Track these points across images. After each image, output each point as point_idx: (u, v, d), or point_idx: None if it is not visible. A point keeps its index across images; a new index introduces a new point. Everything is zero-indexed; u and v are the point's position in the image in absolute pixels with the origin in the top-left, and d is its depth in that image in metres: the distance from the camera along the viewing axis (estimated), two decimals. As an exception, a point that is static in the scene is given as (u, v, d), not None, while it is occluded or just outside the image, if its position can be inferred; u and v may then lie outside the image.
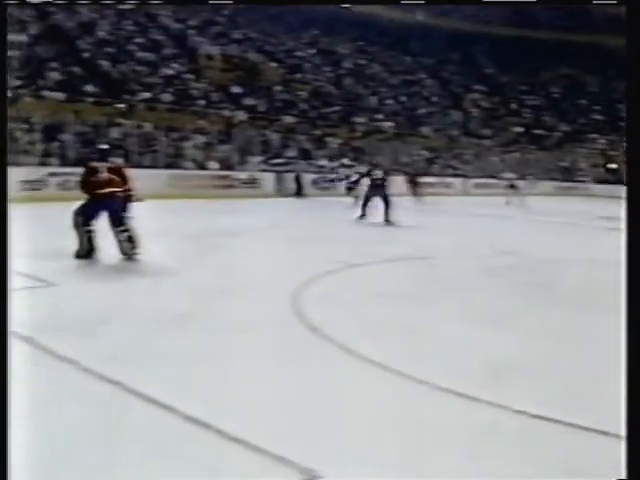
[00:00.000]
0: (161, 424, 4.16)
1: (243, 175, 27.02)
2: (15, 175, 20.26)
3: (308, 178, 28.44)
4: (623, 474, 3.20)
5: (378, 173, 17.85)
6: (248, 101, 33.84)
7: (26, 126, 23.17)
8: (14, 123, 22.85)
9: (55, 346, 5.48)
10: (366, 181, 18.28)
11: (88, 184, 9.83)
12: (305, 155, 30.79)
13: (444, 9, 52.35)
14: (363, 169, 23.42)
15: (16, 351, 5.47)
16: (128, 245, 9.74)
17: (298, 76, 39.21)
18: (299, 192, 27.32)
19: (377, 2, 41.05)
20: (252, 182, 27.06)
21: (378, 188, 17.35)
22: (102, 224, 9.86)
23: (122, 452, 3.78)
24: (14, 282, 8.08)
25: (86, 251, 9.63)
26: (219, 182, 25.76)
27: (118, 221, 9.72)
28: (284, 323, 6.56)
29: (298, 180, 27.62)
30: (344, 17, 46.35)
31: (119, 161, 22.66)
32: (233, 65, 36.22)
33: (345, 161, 27.90)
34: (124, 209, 9.94)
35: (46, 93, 26.40)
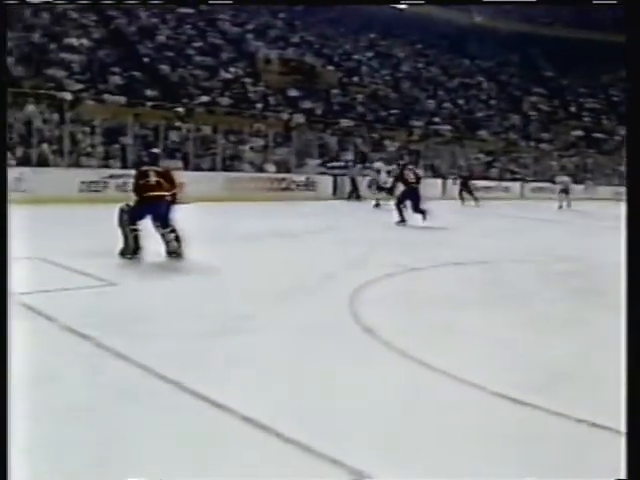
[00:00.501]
0: (219, 425, 4.17)
1: (300, 178, 27.09)
2: (76, 177, 20.65)
3: (364, 181, 28.40)
4: (623, 474, 3.16)
5: (410, 175, 17.88)
6: (306, 104, 33.93)
7: (87, 129, 23.55)
8: (76, 126, 23.29)
9: (116, 345, 5.53)
10: (398, 183, 18.55)
11: (138, 187, 10.17)
12: (362, 158, 30.75)
13: (502, 10, 51.78)
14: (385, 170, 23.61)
15: (83, 350, 5.58)
16: (175, 245, 10.01)
17: (355, 79, 39.18)
18: (355, 195, 27.29)
19: (377, 2, 40.70)
20: (309, 185, 27.12)
21: (412, 190, 17.28)
22: (147, 224, 10.08)
23: (181, 452, 3.81)
24: (76, 281, 8.29)
25: (132, 250, 9.87)
26: (276, 185, 25.88)
27: (164, 223, 10.03)
28: (340, 326, 6.54)
29: (354, 183, 27.59)
30: (402, 20, 46.21)
31: (178, 164, 23.17)
32: (291, 68, 36.35)
33: (377, 164, 27.65)
34: (170, 211, 10.18)
35: (107, 97, 26.80)
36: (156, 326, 6.31)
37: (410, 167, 18.88)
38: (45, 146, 21.89)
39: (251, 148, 27.73)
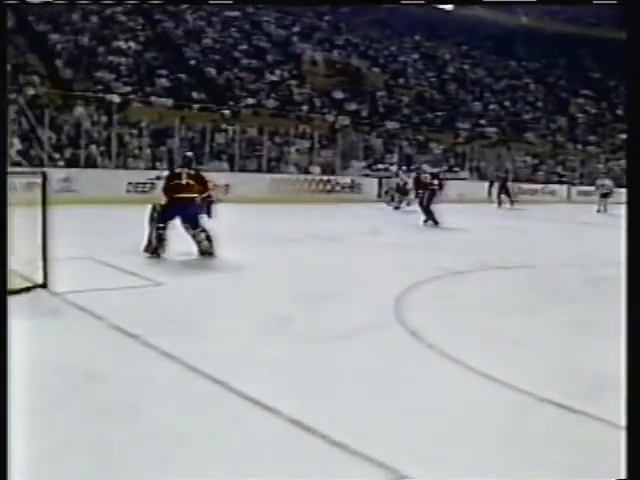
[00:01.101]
0: (264, 426, 4.17)
1: (345, 180, 27.07)
2: (124, 178, 20.86)
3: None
4: (623, 474, 3.14)
5: (427, 176, 18.43)
6: (351, 106, 33.91)
7: (135, 131, 23.80)
8: (123, 128, 23.54)
9: (163, 344, 5.56)
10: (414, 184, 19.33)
11: (169, 188, 10.46)
12: (408, 160, 30.64)
13: (549, 11, 51.25)
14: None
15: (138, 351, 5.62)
16: (207, 244, 10.23)
17: (401, 81, 39.08)
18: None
19: (377, 2, 40.38)
20: (354, 187, 27.09)
21: (430, 192, 17.83)
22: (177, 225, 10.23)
23: (225, 453, 3.81)
24: (123, 280, 8.37)
25: (153, 248, 10.09)
26: (321, 187, 25.89)
27: (194, 223, 10.24)
28: (385, 328, 6.51)
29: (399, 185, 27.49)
30: (448, 21, 45.99)
31: (224, 165, 23.28)
32: (336, 70, 36.36)
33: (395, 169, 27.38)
34: (200, 212, 10.38)
35: (154, 99, 27.05)
36: (200, 326, 6.35)
37: (425, 175, 19.26)
38: (93, 147, 22.17)
39: (296, 150, 27.78)
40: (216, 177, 22.65)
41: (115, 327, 6.10)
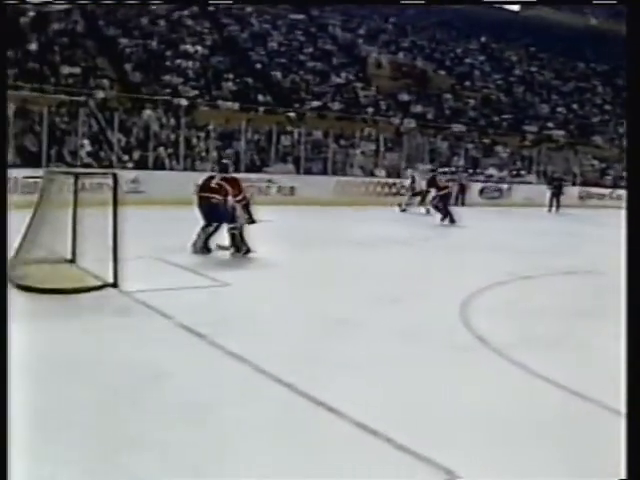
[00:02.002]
0: (331, 428, 4.15)
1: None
2: (191, 180, 21.05)
3: (475, 187, 28.04)
4: (623, 474, 3.13)
5: (442, 179, 19.31)
6: (417, 109, 33.73)
7: (202, 134, 24.04)
8: (191, 131, 23.80)
9: (228, 344, 5.59)
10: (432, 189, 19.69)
11: (199, 189, 11.13)
12: (474, 164, 30.35)
13: (618, 13, 50.28)
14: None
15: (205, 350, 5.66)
16: (237, 242, 10.63)
17: (467, 83, 38.71)
18: (461, 201, 26.95)
19: (377, 2, 39.79)
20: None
21: (445, 194, 18.87)
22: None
23: (291, 455, 3.80)
24: (190, 280, 8.46)
25: (199, 248, 10.59)
26: (387, 190, 25.78)
27: (211, 220, 10.69)
28: (451, 332, 6.45)
29: (462, 188, 27.24)
30: (515, 22, 45.44)
31: (290, 167, 23.45)
32: (402, 73, 36.21)
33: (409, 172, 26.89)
34: (221, 211, 10.69)
35: (221, 102, 27.30)
36: (267, 327, 6.36)
37: (440, 176, 20.40)
38: (162, 150, 22.46)
39: (362, 153, 27.73)
40: (281, 179, 23.03)
41: (183, 326, 6.16)
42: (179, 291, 7.81)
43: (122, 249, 7.66)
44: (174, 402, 4.41)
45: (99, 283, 7.60)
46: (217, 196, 10.67)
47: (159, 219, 14.15)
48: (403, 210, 22.11)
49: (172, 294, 7.60)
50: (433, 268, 10.61)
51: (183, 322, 6.26)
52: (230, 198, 10.67)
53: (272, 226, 12.47)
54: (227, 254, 10.63)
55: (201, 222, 10.69)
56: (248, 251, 10.56)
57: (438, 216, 18.67)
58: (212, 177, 11.08)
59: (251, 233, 10.70)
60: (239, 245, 10.59)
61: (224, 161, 11.85)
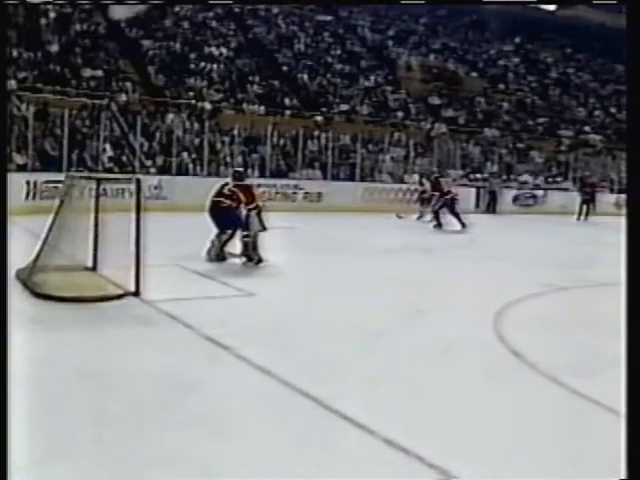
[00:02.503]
0: (358, 445, 4.12)
1: (441, 189, 26.77)
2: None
3: (509, 194, 27.89)
4: (623, 474, 3.16)
5: (446, 186, 19.63)
6: (448, 113, 33.65)
7: (227, 138, 24.12)
8: (215, 135, 23.90)
9: (255, 356, 5.58)
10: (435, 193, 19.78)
11: (213, 196, 11.12)
12: (507, 170, 30.21)
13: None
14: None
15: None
16: (248, 251, 10.58)
17: (501, 86, 38.55)
18: (492, 208, 26.82)
19: (376, 2, 39.55)
20: (451, 197, 26.80)
21: (450, 199, 19.10)
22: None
23: (317, 473, 3.78)
24: (213, 289, 8.46)
25: (213, 255, 10.67)
26: (416, 197, 25.65)
27: (223, 227, 10.72)
28: (485, 346, 6.39)
29: (493, 196, 27.11)
30: (550, 22, 45.20)
31: (317, 173, 23.40)
32: (432, 75, 36.14)
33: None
34: (231, 218, 10.73)
35: (246, 106, 27.39)
36: (293, 339, 6.35)
37: (443, 179, 20.77)
38: (185, 155, 22.56)
39: (391, 158, 27.69)
40: (308, 185, 23.04)
41: (206, 337, 6.15)
42: (203, 301, 7.81)
43: (144, 257, 7.68)
44: (198, 415, 4.40)
45: (120, 292, 7.62)
46: (228, 201, 10.73)
47: (182, 226, 14.20)
48: (400, 217, 21.20)
49: (196, 304, 7.61)
50: (463, 278, 10.50)
51: (208, 333, 6.24)
52: (242, 206, 10.71)
53: (298, 233, 12.47)
54: (238, 262, 10.63)
55: (214, 230, 10.71)
56: (260, 261, 10.50)
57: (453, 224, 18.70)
58: (226, 184, 11.14)
59: (275, 241, 10.69)
60: (251, 254, 10.55)
61: (238, 169, 12.11)
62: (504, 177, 29.18)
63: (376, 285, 9.47)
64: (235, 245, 10.77)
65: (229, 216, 10.70)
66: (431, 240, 15.31)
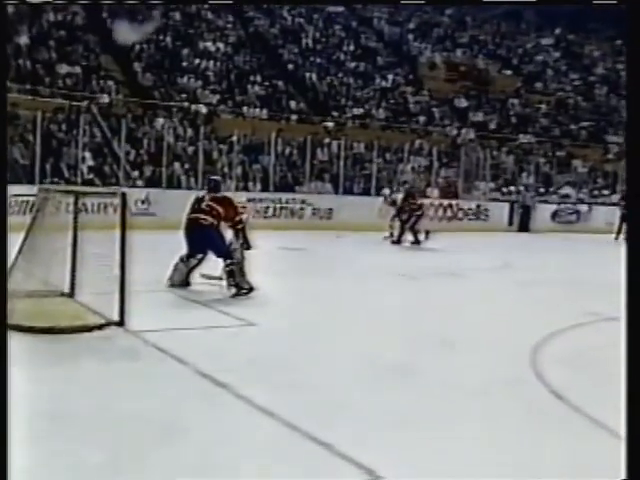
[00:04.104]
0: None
1: (469, 205, 26.85)
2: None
3: (547, 210, 27.85)
4: (623, 474, 3.38)
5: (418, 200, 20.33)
6: (477, 117, 33.71)
7: (224, 146, 24.10)
8: (211, 143, 23.92)
9: (256, 395, 5.55)
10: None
11: (188, 212, 10.85)
12: (546, 181, 30.17)
13: None
14: None
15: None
16: (236, 280, 10.17)
17: (538, 85, 38.61)
18: (524, 225, 26.77)
19: (376, 2, 39.68)
20: (480, 213, 26.81)
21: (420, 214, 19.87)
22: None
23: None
24: (205, 319, 8.44)
25: (176, 281, 10.44)
26: (441, 213, 25.68)
27: (201, 250, 10.50)
28: (521, 385, 6.36)
29: (527, 210, 27.06)
30: (596, 11, 45.23)
31: (327, 187, 23.38)
32: (459, 74, 36.23)
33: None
34: (212, 237, 10.48)
35: (246, 110, 27.45)
36: (298, 375, 6.31)
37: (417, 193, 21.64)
38: (177, 165, 22.58)
39: (412, 169, 27.70)
40: (317, 200, 23.02)
41: (201, 373, 6.13)
42: (197, 331, 7.79)
43: (129, 281, 7.67)
44: (188, 465, 4.36)
45: (102, 321, 7.60)
46: (208, 218, 10.51)
47: (172, 246, 14.13)
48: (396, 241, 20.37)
49: (188, 334, 7.59)
50: (495, 305, 10.48)
51: (202, 368, 6.22)
52: (222, 223, 10.57)
53: (305, 255, 12.46)
54: (215, 285, 10.44)
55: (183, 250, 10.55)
56: (251, 290, 10.16)
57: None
58: (201, 198, 10.86)
59: (281, 263, 10.67)
60: (239, 283, 10.19)
61: (213, 177, 11.78)
62: (542, 190, 29.14)
63: (395, 313, 9.49)
64: (213, 267, 10.63)
65: (211, 236, 10.49)
66: (462, 262, 15.25)
